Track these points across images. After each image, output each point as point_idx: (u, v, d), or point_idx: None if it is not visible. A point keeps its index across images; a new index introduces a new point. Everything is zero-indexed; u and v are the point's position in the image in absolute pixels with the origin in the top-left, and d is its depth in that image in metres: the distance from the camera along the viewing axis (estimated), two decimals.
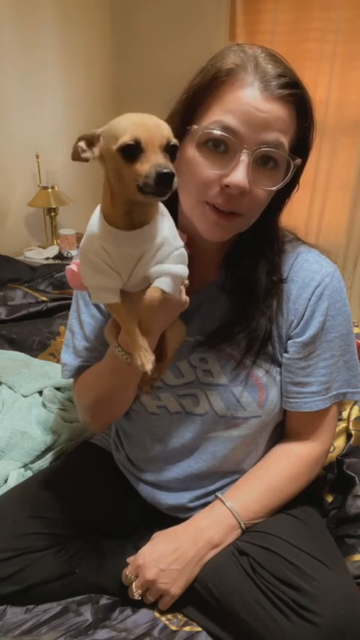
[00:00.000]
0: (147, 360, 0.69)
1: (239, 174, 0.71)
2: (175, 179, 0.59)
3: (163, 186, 0.59)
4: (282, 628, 0.71)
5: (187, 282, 0.75)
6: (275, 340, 0.86)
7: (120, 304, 0.70)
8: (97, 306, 0.91)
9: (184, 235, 0.77)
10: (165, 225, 0.69)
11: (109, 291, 0.70)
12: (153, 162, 0.59)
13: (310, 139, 0.79)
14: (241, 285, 0.84)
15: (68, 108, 2.59)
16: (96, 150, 0.63)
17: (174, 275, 0.68)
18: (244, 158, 0.71)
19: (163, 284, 0.67)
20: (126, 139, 0.59)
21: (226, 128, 0.71)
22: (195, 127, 0.74)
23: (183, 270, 0.70)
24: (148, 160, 0.59)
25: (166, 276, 0.68)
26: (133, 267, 0.68)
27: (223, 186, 0.72)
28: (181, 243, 0.71)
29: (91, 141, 0.63)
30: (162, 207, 0.70)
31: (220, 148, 0.72)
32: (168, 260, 0.68)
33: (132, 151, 0.59)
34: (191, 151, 0.74)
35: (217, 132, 0.71)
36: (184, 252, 0.71)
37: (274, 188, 0.74)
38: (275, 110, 0.71)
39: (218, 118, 0.71)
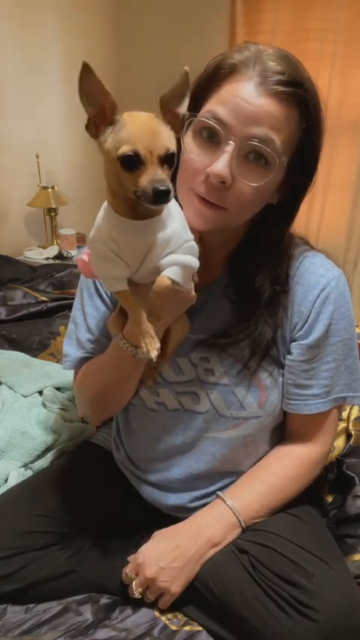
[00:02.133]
0: (152, 348, 0.70)
1: (219, 164, 0.71)
2: (172, 194, 0.61)
3: (159, 202, 0.61)
4: (282, 625, 0.72)
5: (196, 278, 0.76)
6: (279, 342, 0.86)
7: (128, 292, 0.71)
8: (102, 299, 0.91)
9: (196, 231, 0.78)
10: (175, 218, 0.70)
11: (117, 280, 0.71)
12: (151, 176, 0.60)
13: (315, 144, 0.77)
14: (244, 293, 0.84)
15: (68, 108, 2.58)
16: (102, 136, 0.63)
17: (183, 265, 0.69)
18: (228, 149, 0.71)
19: (172, 273, 0.68)
20: (126, 149, 0.60)
21: (215, 118, 0.71)
22: (186, 113, 0.74)
23: (193, 261, 0.71)
24: (146, 172, 0.61)
25: (175, 265, 0.69)
26: (143, 259, 0.69)
27: (207, 175, 0.73)
28: (192, 236, 0.72)
29: (104, 113, 0.62)
30: (172, 200, 0.70)
31: (214, 138, 0.73)
32: (178, 251, 0.69)
33: (131, 162, 0.61)
34: (188, 139, 0.75)
35: (206, 120, 0.72)
36: (194, 244, 0.72)
37: (254, 184, 0.73)
38: (266, 105, 0.70)
39: (211, 108, 0.72)
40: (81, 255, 0.78)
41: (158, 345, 0.71)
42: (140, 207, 0.66)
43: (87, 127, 0.64)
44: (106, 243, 0.68)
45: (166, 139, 0.63)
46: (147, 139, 0.61)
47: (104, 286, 0.73)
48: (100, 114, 0.63)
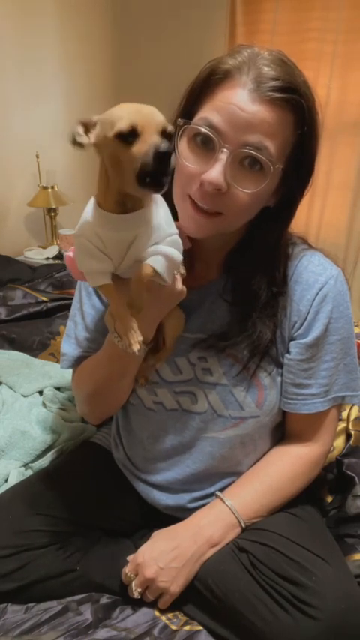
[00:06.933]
0: (134, 341, 0.70)
1: (214, 172, 0.71)
2: (173, 158, 0.60)
3: (161, 165, 0.59)
4: (282, 623, 0.72)
5: (183, 271, 0.76)
6: (278, 342, 0.85)
7: (111, 286, 0.71)
8: (99, 297, 0.92)
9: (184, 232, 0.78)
10: (159, 212, 0.70)
11: (100, 274, 0.71)
12: (150, 142, 0.59)
13: (311, 149, 0.77)
14: (241, 295, 0.83)
15: (68, 108, 2.58)
16: (92, 136, 0.63)
17: (165, 255, 0.69)
18: (222, 157, 0.71)
19: (154, 262, 0.68)
20: (122, 124, 0.59)
21: (209, 125, 0.71)
22: (180, 120, 0.75)
23: (176, 254, 0.71)
24: (145, 142, 0.60)
25: (157, 255, 0.69)
26: (126, 252, 0.69)
27: (202, 182, 0.72)
28: (176, 230, 0.72)
29: (87, 127, 0.63)
30: (158, 196, 0.70)
31: (208, 144, 0.73)
32: (161, 244, 0.70)
33: (128, 136, 0.60)
34: (183, 146, 0.75)
35: (201, 128, 0.72)
36: (177, 239, 0.72)
37: (249, 191, 0.73)
38: (261, 112, 0.70)
39: (206, 115, 0.72)
40: (68, 253, 0.79)
41: (141, 338, 0.71)
42: (129, 202, 0.66)
43: (74, 143, 0.63)
44: (90, 238, 0.69)
45: (162, 118, 0.62)
46: (142, 115, 0.61)
47: (88, 281, 0.73)
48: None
